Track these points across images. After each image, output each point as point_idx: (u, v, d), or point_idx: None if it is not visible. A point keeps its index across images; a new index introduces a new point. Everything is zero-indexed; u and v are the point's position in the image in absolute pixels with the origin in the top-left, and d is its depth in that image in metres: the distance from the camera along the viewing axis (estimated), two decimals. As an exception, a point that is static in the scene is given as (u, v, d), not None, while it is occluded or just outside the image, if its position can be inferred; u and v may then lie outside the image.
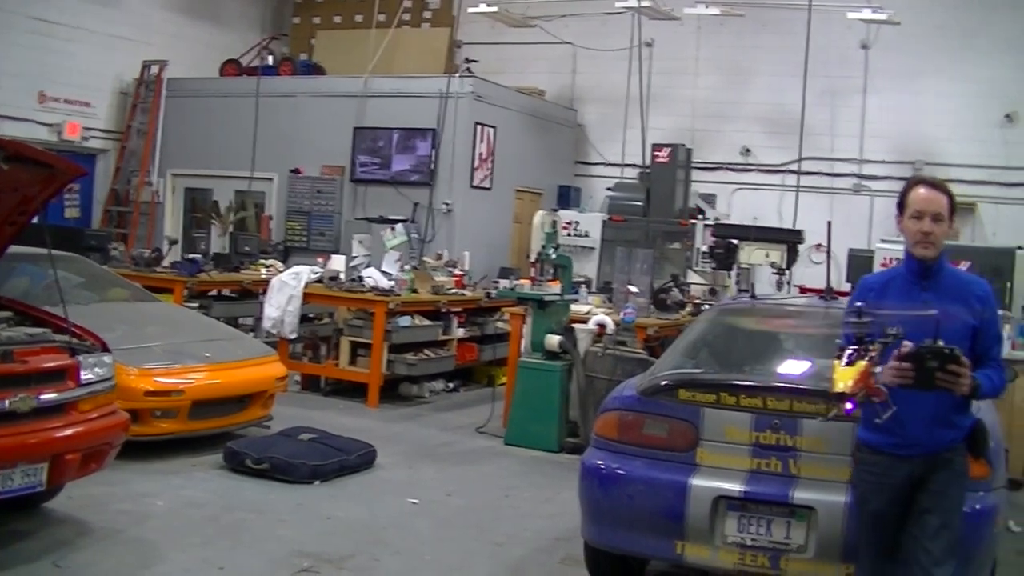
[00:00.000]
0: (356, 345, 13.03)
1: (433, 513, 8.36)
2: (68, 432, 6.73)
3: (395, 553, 7.31)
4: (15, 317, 7.28)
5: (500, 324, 14.65)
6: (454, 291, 14.14)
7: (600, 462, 6.33)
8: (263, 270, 14.83)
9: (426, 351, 13.41)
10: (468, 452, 10.75)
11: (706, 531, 5.88)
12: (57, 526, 7.30)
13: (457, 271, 14.87)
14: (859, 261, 12.91)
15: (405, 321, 13.07)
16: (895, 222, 5.35)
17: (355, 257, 14.20)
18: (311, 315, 14.01)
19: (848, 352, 5.06)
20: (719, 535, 5.86)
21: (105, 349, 7.21)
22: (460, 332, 14.23)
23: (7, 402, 6.34)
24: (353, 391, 12.96)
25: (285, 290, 13.14)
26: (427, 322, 13.55)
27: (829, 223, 9.03)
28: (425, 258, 15.18)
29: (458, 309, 14.19)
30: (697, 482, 5.92)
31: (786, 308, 7.95)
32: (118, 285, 11.51)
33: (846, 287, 10.88)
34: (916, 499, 5.09)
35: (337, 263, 13.93)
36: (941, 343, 4.78)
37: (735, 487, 5.87)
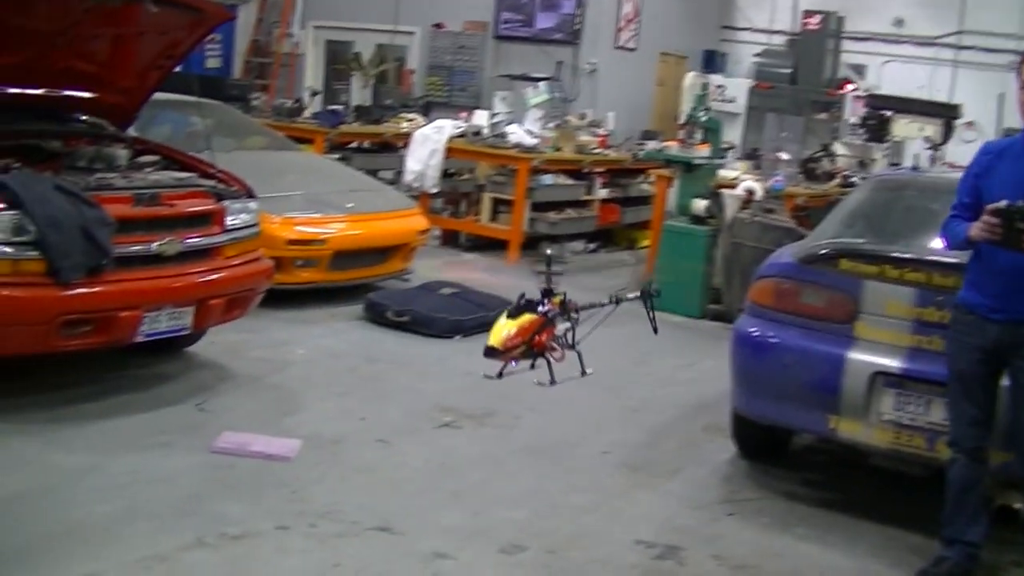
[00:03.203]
0: (497, 202, 12.92)
1: (574, 372, 8.23)
2: (213, 277, 6.72)
3: (534, 412, 7.23)
4: (162, 161, 7.26)
5: (644, 186, 14.38)
6: (597, 151, 13.87)
7: (754, 330, 6.12)
8: (404, 123, 14.64)
9: (568, 211, 13.23)
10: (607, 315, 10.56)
11: (861, 407, 5.64)
12: (200, 370, 7.36)
13: (600, 131, 14.56)
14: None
15: (547, 179, 12.89)
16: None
17: (497, 114, 14.00)
18: (452, 170, 13.88)
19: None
20: (874, 412, 5.62)
21: (250, 195, 7.15)
22: (603, 193, 13.99)
23: (154, 245, 6.34)
24: (492, 248, 12.85)
25: (427, 144, 13.02)
26: (569, 181, 13.36)
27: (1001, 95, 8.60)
28: (568, 117, 14.91)
29: (601, 169, 13.93)
30: (854, 356, 5.67)
31: (949, 181, 7.56)
32: (260, 134, 11.50)
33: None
34: (1009, 368, 5.01)
35: (480, 118, 13.74)
36: None
37: (894, 363, 5.60)
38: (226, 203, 6.90)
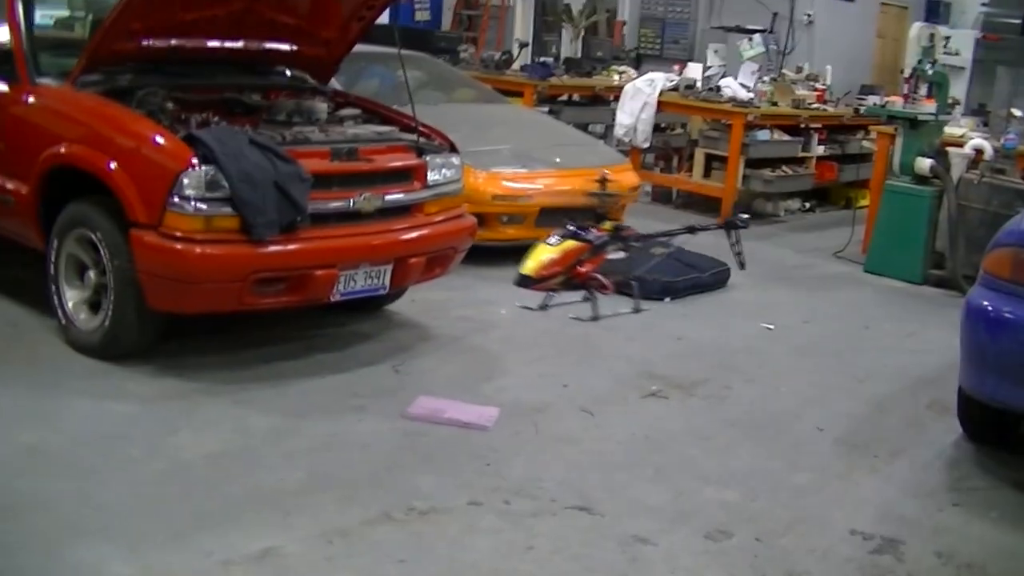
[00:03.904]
0: (710, 158, 12.44)
1: (788, 340, 7.80)
2: (413, 234, 6.47)
3: (748, 381, 6.82)
4: (363, 115, 7.05)
5: (863, 144, 13.70)
6: (815, 106, 13.26)
7: (988, 303, 5.55)
8: (616, 76, 14.31)
9: (783, 167, 12.67)
10: (824, 277, 10.07)
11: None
12: (398, 330, 7.15)
13: (818, 86, 13.94)
14: None
15: (763, 135, 12.35)
16: None
17: (711, 67, 13.51)
18: (663, 124, 13.46)
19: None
20: None
21: (453, 150, 6.88)
22: (820, 150, 13.34)
23: (352, 201, 6.11)
24: (704, 205, 12.38)
25: (639, 97, 12.59)
26: (786, 137, 12.78)
27: None
28: (784, 70, 14.32)
29: (819, 125, 13.27)
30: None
31: None
32: (468, 87, 11.32)
33: None
34: None
35: (693, 71, 13.26)
36: None
37: None
38: (428, 158, 6.65)
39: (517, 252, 8.78)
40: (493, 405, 5.91)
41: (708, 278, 8.82)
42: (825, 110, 13.37)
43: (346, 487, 4.86)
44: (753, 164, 12.32)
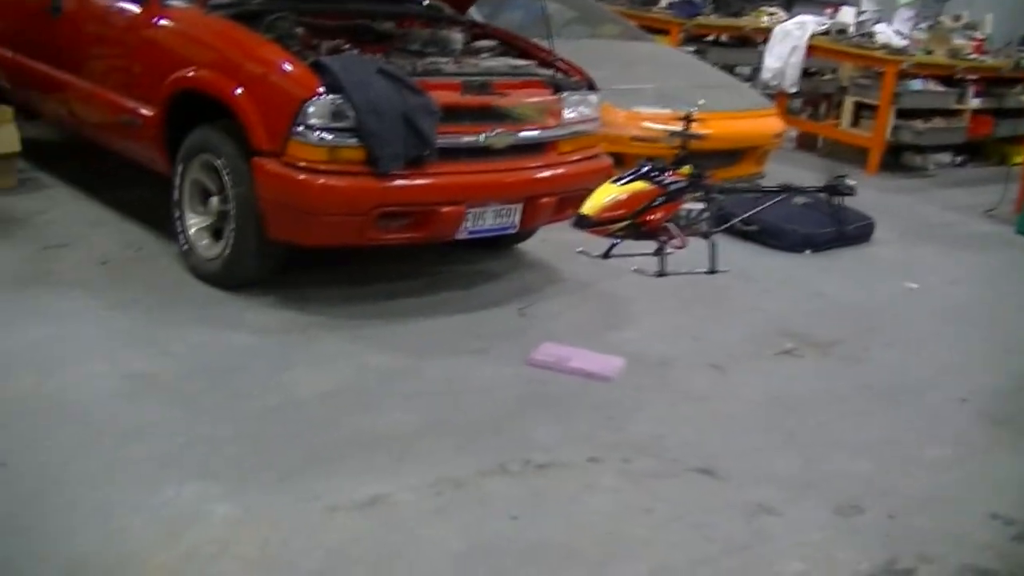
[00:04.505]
0: (860, 106, 11.96)
1: (932, 302, 7.41)
2: (546, 173, 6.24)
3: (887, 344, 6.48)
4: (501, 47, 6.80)
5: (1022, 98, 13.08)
6: (973, 57, 12.62)
7: None
8: (765, 17, 13.85)
9: (936, 119, 12.13)
10: (973, 236, 9.58)
11: None
12: (526, 271, 6.95)
13: (977, 35, 13.27)
14: None
15: (916, 84, 11.85)
16: None
17: (864, 11, 12.95)
18: (813, 69, 12.98)
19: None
20: None
21: (592, 87, 6.60)
22: (975, 102, 12.73)
23: (482, 136, 5.87)
24: (851, 155, 11.91)
25: (788, 40, 12.15)
26: (940, 88, 12.23)
27: None
28: (941, 18, 13.71)
29: (976, 77, 12.66)
30: None
31: None
32: (613, 22, 11.02)
33: None
34: None
35: (846, 16, 12.72)
36: None
37: None
38: (564, 95, 6.39)
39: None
40: (619, 355, 5.67)
41: (851, 231, 8.44)
42: (983, 61, 12.72)
43: (462, 434, 4.69)
44: (904, 114, 11.81)
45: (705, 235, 6.89)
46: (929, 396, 5.83)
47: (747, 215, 8.04)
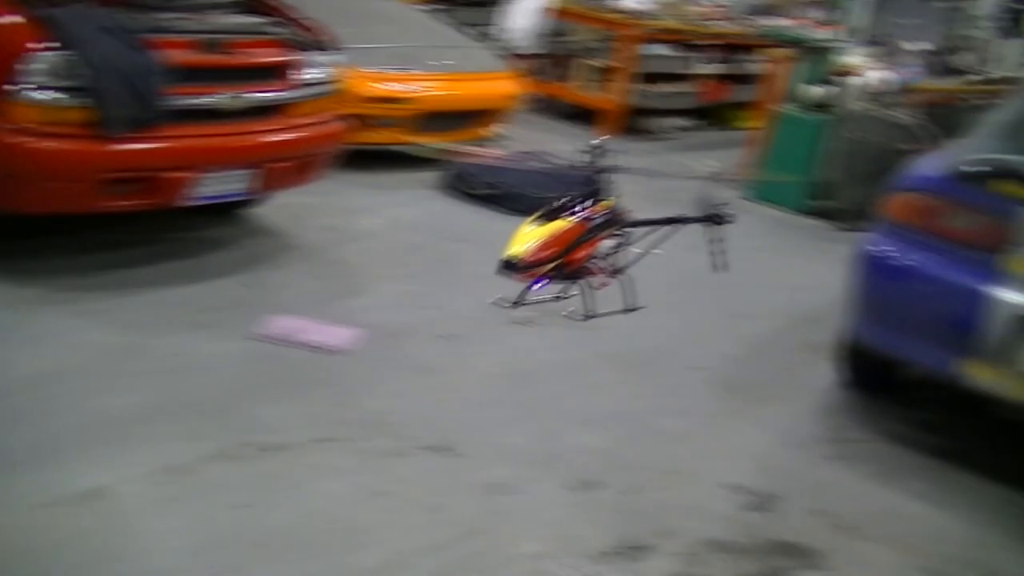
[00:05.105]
0: (601, 70, 12.04)
1: (669, 269, 7.41)
2: (279, 137, 6.01)
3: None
4: (242, 5, 6.47)
5: (756, 66, 13.42)
6: (713, 23, 12.95)
7: (888, 249, 5.27)
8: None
9: (674, 83, 12.34)
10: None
11: (1001, 353, 4.83)
12: (256, 238, 6.72)
13: (717, 1, 13.63)
14: None
15: (656, 49, 12.02)
16: None
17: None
18: (555, 31, 13.00)
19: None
20: (1019, 361, 4.83)
21: (330, 48, 6.40)
22: (709, 68, 13.05)
23: (213, 98, 5.62)
24: (590, 117, 11.99)
25: (531, 1, 12.15)
26: (679, 53, 12.46)
27: None
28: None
29: (718, 43, 12.99)
30: (1003, 294, 4.86)
31: None
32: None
33: None
34: None
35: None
36: None
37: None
38: (300, 55, 6.16)
39: (390, 159, 8.40)
40: (352, 326, 5.53)
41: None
42: (724, 28, 13.04)
43: (184, 416, 4.47)
44: (646, 79, 12.00)
45: (616, 272, 6.32)
46: (664, 364, 5.91)
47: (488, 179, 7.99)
